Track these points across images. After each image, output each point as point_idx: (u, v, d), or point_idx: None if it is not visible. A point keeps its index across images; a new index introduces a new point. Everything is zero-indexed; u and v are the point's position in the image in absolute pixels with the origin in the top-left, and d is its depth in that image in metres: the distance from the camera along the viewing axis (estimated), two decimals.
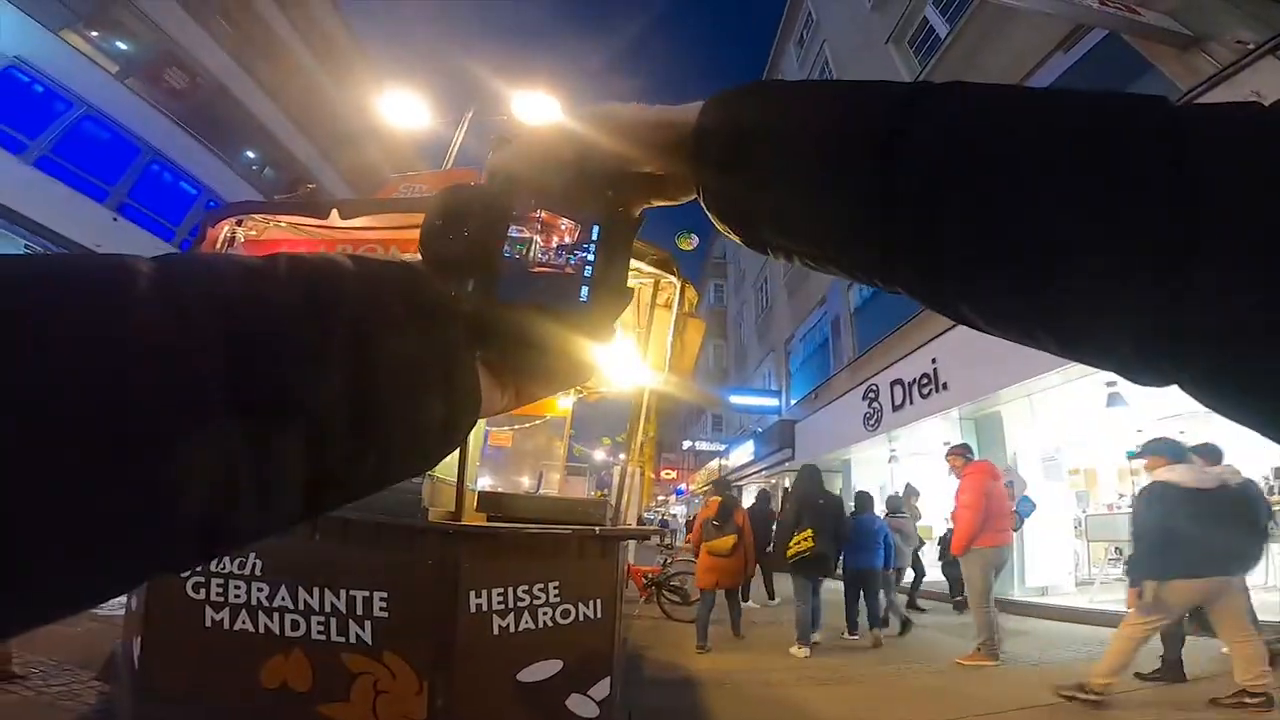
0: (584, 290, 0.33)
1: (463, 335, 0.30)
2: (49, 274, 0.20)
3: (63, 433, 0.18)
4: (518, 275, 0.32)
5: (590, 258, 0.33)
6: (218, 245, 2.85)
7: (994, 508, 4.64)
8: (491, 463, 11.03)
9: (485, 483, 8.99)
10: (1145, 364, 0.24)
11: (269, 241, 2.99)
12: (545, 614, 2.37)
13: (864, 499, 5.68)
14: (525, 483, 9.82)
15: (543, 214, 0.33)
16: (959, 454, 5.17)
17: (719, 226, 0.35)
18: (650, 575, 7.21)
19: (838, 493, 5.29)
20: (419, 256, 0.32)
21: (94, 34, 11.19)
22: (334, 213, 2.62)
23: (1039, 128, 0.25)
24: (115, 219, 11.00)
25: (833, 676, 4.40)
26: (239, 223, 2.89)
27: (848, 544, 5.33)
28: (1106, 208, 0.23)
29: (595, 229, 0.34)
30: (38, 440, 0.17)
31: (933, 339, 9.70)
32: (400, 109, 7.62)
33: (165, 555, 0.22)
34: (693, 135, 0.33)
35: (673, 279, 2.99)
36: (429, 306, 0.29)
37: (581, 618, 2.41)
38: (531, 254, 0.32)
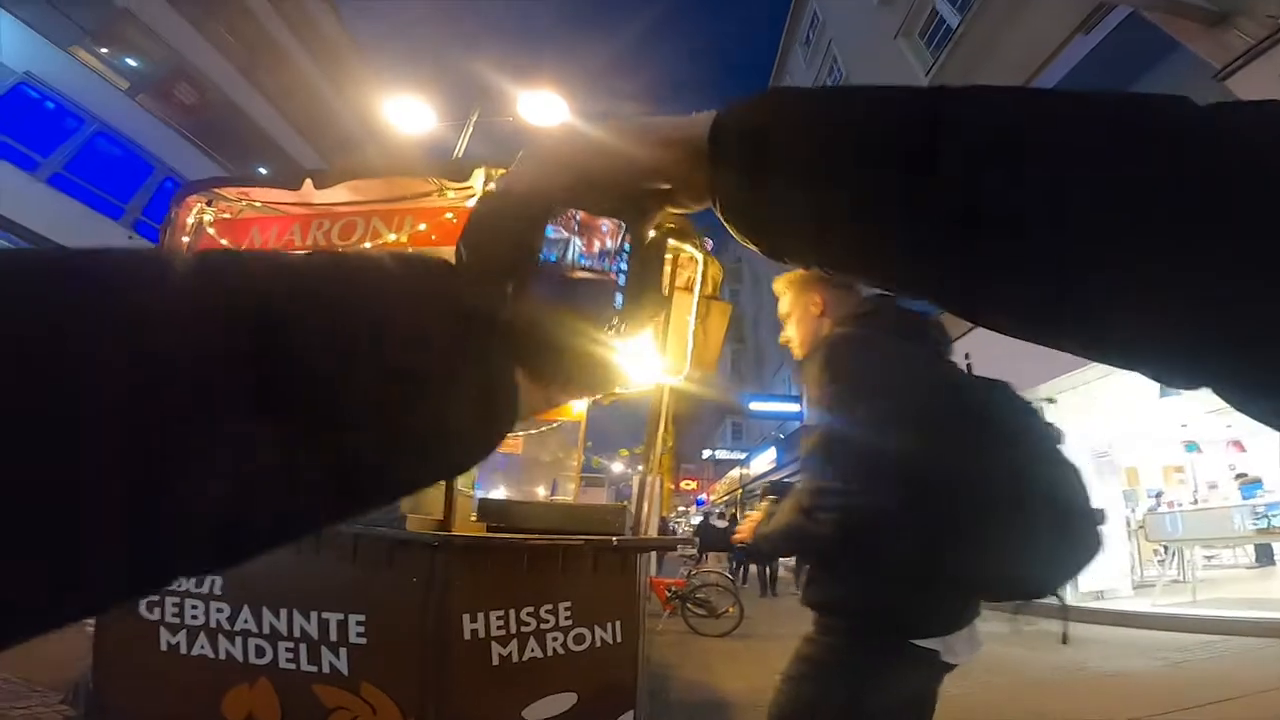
0: (619, 296, 0.33)
1: (500, 338, 0.29)
2: (76, 266, 0.19)
3: (82, 427, 0.17)
4: (555, 279, 0.32)
5: (624, 265, 0.34)
6: (186, 228, 2.57)
7: None
8: (502, 471, 10.74)
9: (500, 493, 8.69)
10: (1172, 366, 0.23)
11: (243, 222, 2.70)
12: (555, 639, 2.01)
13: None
14: (541, 492, 9.53)
15: (580, 217, 0.33)
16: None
17: (738, 237, 0.34)
18: (674, 588, 6.85)
19: None
20: (453, 255, 0.32)
21: (103, 50, 11.24)
22: (307, 183, 2.32)
23: (1067, 129, 0.24)
24: (131, 236, 10.96)
25: None
26: (209, 203, 2.61)
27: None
28: (1137, 206, 0.22)
29: (629, 236, 0.34)
30: (56, 434, 0.17)
31: (962, 335, 9.26)
32: (404, 112, 7.45)
33: (180, 558, 0.20)
34: (708, 146, 0.32)
35: (694, 251, 2.62)
36: (467, 308, 0.28)
37: (598, 643, 2.05)
38: (569, 258, 0.32)
